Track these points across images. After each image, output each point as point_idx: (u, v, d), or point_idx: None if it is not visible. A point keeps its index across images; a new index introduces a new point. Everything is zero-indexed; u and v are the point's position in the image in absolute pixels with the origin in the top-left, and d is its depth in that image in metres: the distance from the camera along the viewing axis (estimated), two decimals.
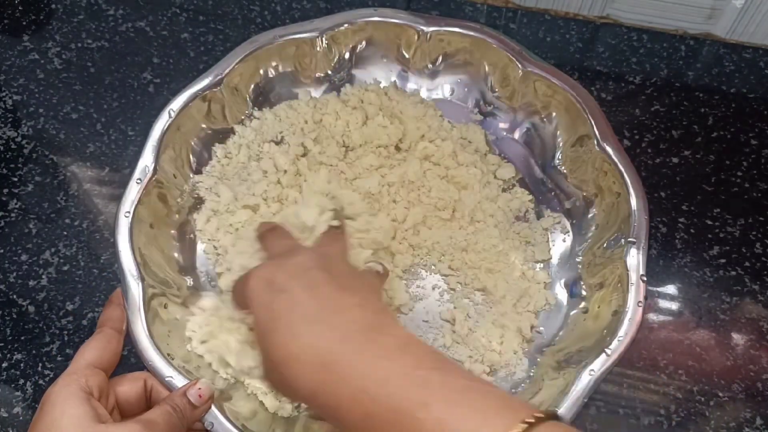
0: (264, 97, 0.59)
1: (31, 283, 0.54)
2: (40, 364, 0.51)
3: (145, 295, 0.47)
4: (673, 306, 0.54)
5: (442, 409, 0.32)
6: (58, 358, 0.51)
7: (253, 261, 0.47)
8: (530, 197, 0.57)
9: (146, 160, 0.51)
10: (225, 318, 0.47)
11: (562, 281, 0.54)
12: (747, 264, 0.56)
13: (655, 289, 0.55)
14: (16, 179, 0.58)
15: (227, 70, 0.55)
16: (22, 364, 0.51)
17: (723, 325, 0.53)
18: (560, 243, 0.55)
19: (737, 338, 0.53)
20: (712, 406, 0.50)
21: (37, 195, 0.58)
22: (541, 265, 0.54)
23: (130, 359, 0.51)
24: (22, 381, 0.50)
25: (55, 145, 0.60)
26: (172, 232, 0.53)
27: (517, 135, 0.59)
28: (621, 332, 0.46)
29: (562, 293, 0.53)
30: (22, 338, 0.52)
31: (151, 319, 0.46)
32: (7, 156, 0.59)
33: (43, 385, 0.50)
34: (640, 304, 0.47)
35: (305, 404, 0.38)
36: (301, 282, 0.39)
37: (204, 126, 0.56)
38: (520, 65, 0.55)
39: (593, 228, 0.54)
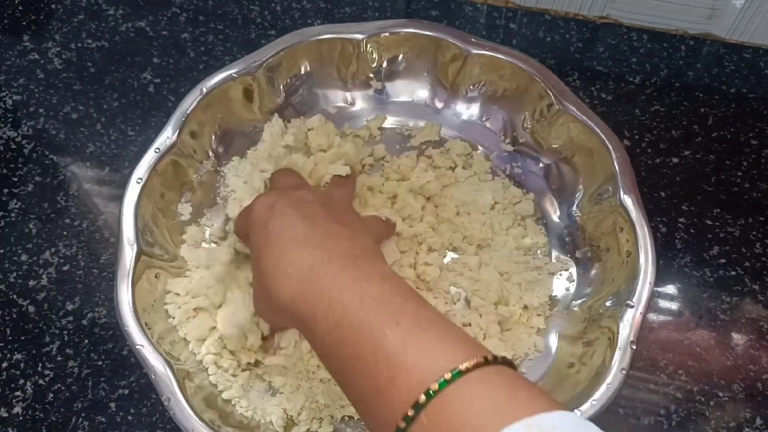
0: (297, 92, 0.58)
1: (31, 283, 0.54)
2: (40, 364, 0.51)
3: (138, 261, 0.47)
4: (673, 306, 0.54)
5: (410, 330, 0.33)
6: (58, 358, 0.51)
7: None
8: (545, 239, 0.55)
9: (168, 131, 0.51)
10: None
11: (555, 330, 0.52)
12: (747, 264, 0.56)
13: (655, 289, 0.54)
14: (16, 179, 0.58)
15: (266, 58, 0.54)
16: (22, 364, 0.51)
17: (723, 325, 0.53)
18: (563, 290, 0.53)
19: (737, 338, 0.53)
20: (712, 406, 0.50)
21: (37, 195, 0.58)
22: (539, 309, 0.52)
23: (130, 359, 0.51)
24: (22, 381, 0.50)
25: (55, 145, 0.60)
26: (182, 206, 0.54)
27: (542, 173, 0.57)
28: (596, 395, 0.44)
29: (553, 341, 0.51)
30: (22, 338, 0.52)
31: (139, 286, 0.47)
32: (7, 156, 0.59)
33: (43, 385, 0.50)
34: (623, 371, 0.44)
35: (283, 318, 0.40)
36: (299, 210, 0.41)
37: (235, 111, 0.56)
38: (558, 103, 0.53)
39: (596, 283, 0.52)
